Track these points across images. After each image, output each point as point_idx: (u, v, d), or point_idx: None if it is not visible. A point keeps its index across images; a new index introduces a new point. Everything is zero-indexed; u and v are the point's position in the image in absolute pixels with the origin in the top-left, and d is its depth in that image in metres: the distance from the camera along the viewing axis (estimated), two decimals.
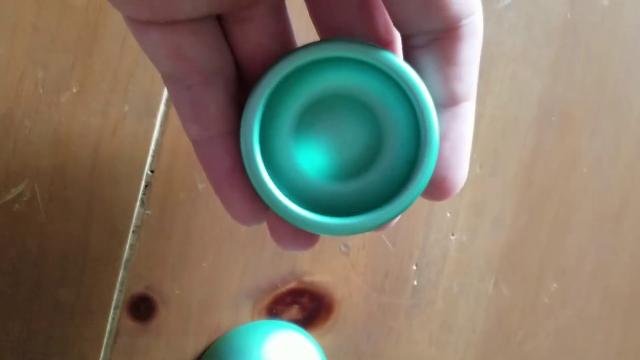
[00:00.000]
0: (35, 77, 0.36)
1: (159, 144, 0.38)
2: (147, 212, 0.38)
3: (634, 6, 0.45)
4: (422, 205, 0.43)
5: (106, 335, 0.38)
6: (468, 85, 0.25)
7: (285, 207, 0.24)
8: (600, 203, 0.46)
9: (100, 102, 0.37)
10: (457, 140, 0.25)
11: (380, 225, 0.25)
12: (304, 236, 0.27)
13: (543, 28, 0.44)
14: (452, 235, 0.44)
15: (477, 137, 0.44)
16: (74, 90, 0.37)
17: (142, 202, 0.38)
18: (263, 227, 0.40)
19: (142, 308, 0.39)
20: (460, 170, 0.25)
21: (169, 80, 0.25)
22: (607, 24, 0.45)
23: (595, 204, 0.46)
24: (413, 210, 0.43)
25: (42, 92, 0.36)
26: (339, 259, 0.42)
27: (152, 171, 0.38)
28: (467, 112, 0.25)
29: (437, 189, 0.25)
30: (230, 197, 0.25)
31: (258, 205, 0.26)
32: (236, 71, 0.26)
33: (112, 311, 0.38)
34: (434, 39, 0.24)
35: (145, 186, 0.38)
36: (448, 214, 0.43)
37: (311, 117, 0.25)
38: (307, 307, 0.41)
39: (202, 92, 0.24)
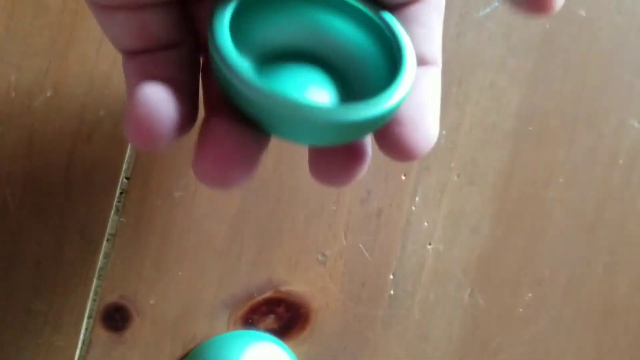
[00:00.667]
0: (8, 80, 0.35)
1: (135, 150, 0.37)
2: (122, 219, 0.37)
3: (611, 17, 0.45)
4: (400, 214, 0.43)
5: (79, 345, 0.37)
6: (435, 48, 0.25)
7: (264, 87, 0.20)
8: (575, 214, 0.46)
9: (75, 107, 0.36)
10: (426, 96, 0.24)
11: (381, 119, 0.22)
12: (237, 160, 0.21)
13: (522, 38, 0.44)
14: (429, 244, 0.43)
15: (456, 146, 0.43)
16: (48, 95, 0.36)
17: (117, 209, 0.37)
18: (239, 236, 0.39)
19: (116, 318, 0.38)
20: (428, 129, 0.24)
21: (128, 56, 0.24)
22: (584, 35, 0.45)
23: (571, 215, 0.46)
24: (391, 220, 0.42)
25: (14, 96, 0.35)
26: (316, 268, 0.41)
27: (127, 178, 0.37)
28: (435, 76, 0.25)
29: (405, 145, 0.23)
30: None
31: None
32: (199, 53, 0.25)
33: (85, 321, 0.37)
34: (403, 4, 0.24)
35: (121, 193, 0.37)
36: (425, 223, 0.43)
37: (272, 70, 0.24)
38: (284, 317, 0.41)
39: (160, 55, 0.24)
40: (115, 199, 0.37)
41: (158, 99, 0.20)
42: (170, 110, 0.20)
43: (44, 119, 0.36)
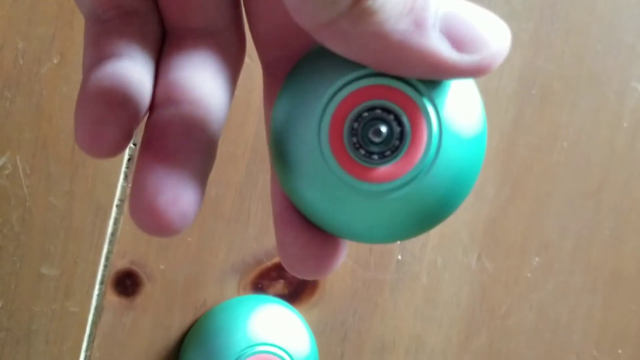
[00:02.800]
0: (16, 48, 0.36)
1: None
2: (130, 185, 0.38)
3: None
4: None
5: (91, 311, 0.38)
6: None
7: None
8: (580, 177, 0.46)
9: (81, 74, 0.36)
10: None
11: None
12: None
13: (522, 1, 0.44)
14: None
15: None
16: (55, 62, 0.36)
17: (126, 175, 0.38)
18: (247, 202, 0.40)
19: (127, 284, 0.38)
20: None
21: (87, 21, 0.22)
22: None
23: (576, 179, 0.46)
24: None
25: (22, 63, 0.36)
26: None
27: (134, 144, 0.38)
28: None
29: None
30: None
31: None
32: (160, 27, 0.23)
33: (97, 287, 0.38)
34: None
35: (129, 160, 0.38)
36: None
37: None
38: (293, 282, 0.41)
39: (116, 25, 0.22)
40: (124, 165, 0.38)
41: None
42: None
43: (51, 86, 0.36)
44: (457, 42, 0.18)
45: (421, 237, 0.43)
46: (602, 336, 0.48)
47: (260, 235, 0.40)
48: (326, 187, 0.19)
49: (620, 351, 0.49)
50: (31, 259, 0.37)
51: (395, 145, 0.19)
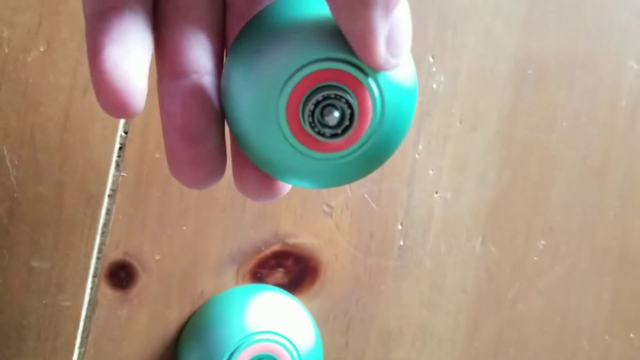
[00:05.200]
0: (1, 37, 0.35)
1: None
2: (122, 174, 0.37)
3: None
4: (403, 163, 0.42)
5: (84, 305, 0.37)
6: None
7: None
8: (582, 158, 0.46)
9: (68, 62, 0.36)
10: None
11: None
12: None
13: None
14: (436, 193, 0.43)
15: (456, 93, 0.43)
16: (41, 50, 0.35)
17: (117, 165, 0.37)
18: None
19: (121, 276, 0.37)
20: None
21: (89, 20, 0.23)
22: None
23: (578, 159, 0.46)
24: (395, 169, 0.42)
25: (7, 52, 0.35)
26: (322, 220, 0.41)
27: (125, 132, 0.37)
28: None
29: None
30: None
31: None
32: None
33: (90, 280, 0.37)
34: None
35: (120, 148, 0.37)
36: (430, 172, 0.43)
37: None
38: (293, 271, 0.40)
39: (117, 16, 0.22)
40: (115, 154, 0.37)
41: (125, 68, 0.21)
42: (139, 78, 0.21)
43: (38, 74, 0.35)
44: (392, 46, 0.21)
45: (423, 222, 0.42)
46: (613, 320, 0.47)
47: (256, 223, 0.39)
48: (286, 157, 0.23)
49: (632, 335, 0.47)
50: (21, 252, 0.36)
51: (346, 126, 0.22)
